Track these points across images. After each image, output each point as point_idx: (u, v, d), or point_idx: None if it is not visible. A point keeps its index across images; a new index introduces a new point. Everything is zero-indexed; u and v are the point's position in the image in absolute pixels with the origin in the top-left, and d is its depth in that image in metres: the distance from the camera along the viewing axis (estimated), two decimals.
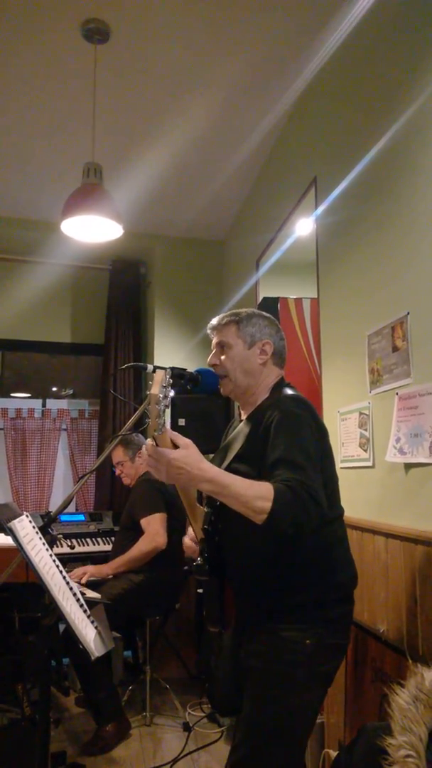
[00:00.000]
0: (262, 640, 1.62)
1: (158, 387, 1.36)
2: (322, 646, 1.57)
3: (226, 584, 1.71)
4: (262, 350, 1.77)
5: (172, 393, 1.46)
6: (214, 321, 1.83)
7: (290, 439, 1.52)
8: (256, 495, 1.38)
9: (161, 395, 1.35)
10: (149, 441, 1.43)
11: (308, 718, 1.61)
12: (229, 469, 1.61)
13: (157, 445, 1.40)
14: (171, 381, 1.41)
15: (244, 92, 2.99)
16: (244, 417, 1.81)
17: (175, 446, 1.42)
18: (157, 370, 1.41)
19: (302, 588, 1.59)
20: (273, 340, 1.79)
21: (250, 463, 1.61)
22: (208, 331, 1.85)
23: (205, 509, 1.71)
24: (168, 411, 1.59)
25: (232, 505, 1.41)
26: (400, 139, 2.07)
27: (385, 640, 1.97)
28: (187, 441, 1.44)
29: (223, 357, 1.78)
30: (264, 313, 1.84)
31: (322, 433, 1.64)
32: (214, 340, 1.82)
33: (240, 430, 1.78)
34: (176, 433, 1.44)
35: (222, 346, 1.79)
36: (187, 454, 1.41)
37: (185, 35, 2.63)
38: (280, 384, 1.78)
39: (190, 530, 1.87)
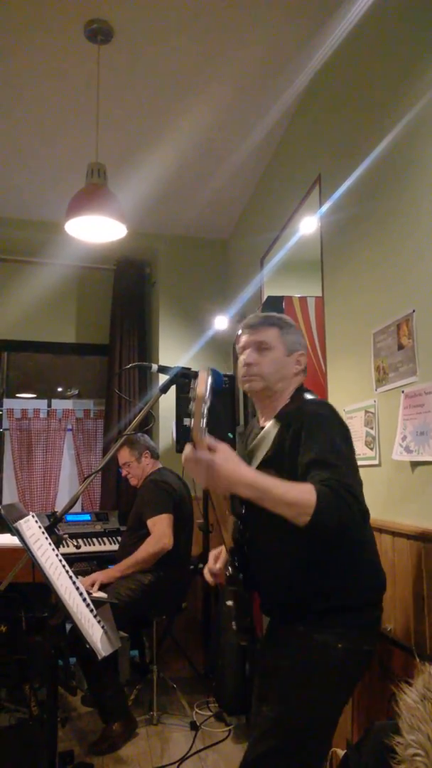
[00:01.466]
0: (294, 643, 1.62)
1: (203, 386, 1.32)
2: (354, 651, 1.57)
3: (255, 594, 1.71)
4: (298, 361, 1.79)
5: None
6: (253, 320, 1.81)
7: (321, 441, 1.53)
8: (298, 497, 1.36)
9: (207, 397, 1.31)
10: (188, 445, 1.39)
11: (333, 721, 1.62)
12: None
13: (195, 447, 1.37)
14: (212, 383, 1.37)
15: (247, 91, 2.99)
16: (264, 422, 1.80)
17: (211, 450, 1.38)
18: (202, 370, 1.36)
19: (336, 591, 1.59)
20: (305, 353, 1.82)
21: (277, 468, 1.59)
22: (243, 329, 1.81)
23: (233, 519, 1.71)
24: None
25: (274, 508, 1.38)
26: (405, 136, 2.06)
27: (393, 639, 1.96)
28: (223, 445, 1.41)
29: (260, 356, 1.75)
30: (298, 329, 1.86)
31: (348, 434, 1.64)
32: (249, 338, 1.78)
33: (264, 435, 1.76)
34: (212, 437, 1.41)
35: (261, 346, 1.76)
36: (227, 458, 1.38)
37: (188, 35, 2.63)
38: (300, 389, 1.78)
39: (210, 561, 1.83)
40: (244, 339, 1.80)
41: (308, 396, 1.75)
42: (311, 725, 1.57)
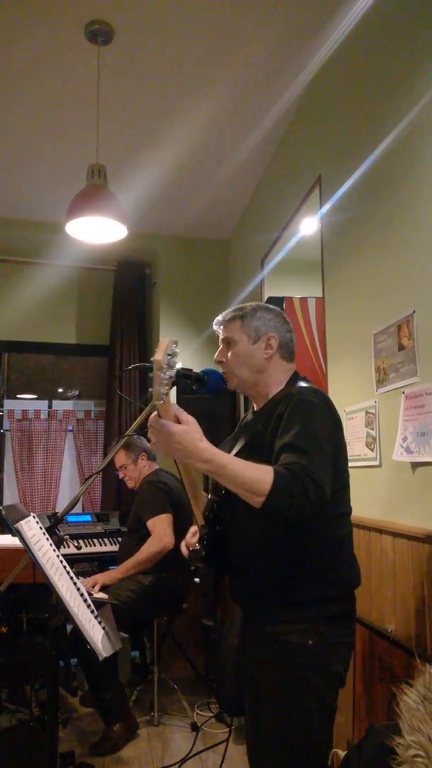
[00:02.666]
0: (266, 648, 1.60)
1: (162, 354, 1.34)
2: (326, 645, 1.54)
3: (223, 577, 1.70)
4: (268, 344, 1.74)
5: (179, 365, 1.44)
6: (220, 317, 1.82)
7: (300, 426, 1.49)
8: (253, 476, 1.36)
9: (165, 363, 1.34)
10: (154, 413, 1.42)
11: (328, 719, 1.60)
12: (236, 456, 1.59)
13: (159, 416, 1.40)
14: (177, 350, 1.39)
15: (247, 91, 2.99)
16: (256, 410, 1.80)
17: (178, 422, 1.42)
18: (162, 338, 1.40)
19: (304, 582, 1.56)
20: (278, 333, 1.76)
21: (256, 451, 1.59)
22: (215, 328, 1.84)
23: (209, 496, 1.70)
24: (174, 386, 1.59)
25: (230, 486, 1.40)
26: (406, 137, 2.06)
27: (393, 640, 1.96)
28: (190, 418, 1.44)
29: (229, 353, 1.77)
30: (270, 306, 1.82)
31: (337, 424, 1.62)
32: (221, 336, 1.81)
33: (249, 421, 1.78)
34: (181, 409, 1.44)
35: (228, 342, 1.77)
36: (188, 430, 1.40)
37: (188, 35, 2.64)
38: (295, 377, 1.76)
39: (188, 535, 1.84)
40: (220, 338, 1.82)
41: (302, 384, 1.71)
42: (307, 731, 1.55)
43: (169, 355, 1.36)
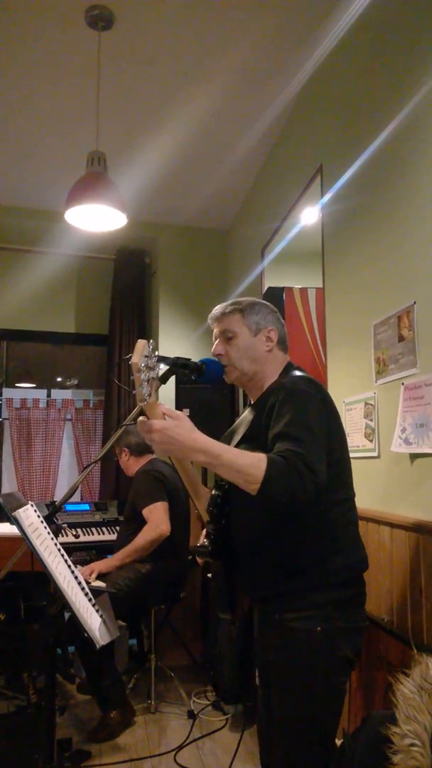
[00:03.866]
0: (274, 634, 1.61)
1: (138, 356, 1.35)
2: (334, 630, 1.55)
3: (234, 569, 1.71)
4: (268, 337, 1.77)
5: (164, 367, 1.45)
6: (216, 311, 1.82)
7: (293, 415, 1.51)
8: (248, 463, 1.38)
9: (142, 364, 1.35)
10: (141, 417, 1.43)
11: (337, 703, 1.61)
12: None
13: (147, 417, 1.40)
14: (154, 351, 1.39)
15: (249, 79, 2.96)
16: (252, 402, 1.81)
17: (168, 418, 1.43)
18: (139, 340, 1.40)
19: (306, 568, 1.57)
20: (276, 326, 1.79)
21: (254, 442, 1.60)
22: (209, 322, 1.84)
23: (213, 492, 1.71)
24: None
25: (226, 475, 1.42)
26: (407, 127, 2.05)
27: (390, 630, 1.97)
28: (179, 413, 1.45)
29: (227, 346, 1.77)
30: (264, 302, 1.84)
31: (331, 412, 1.63)
32: (217, 330, 1.81)
33: (246, 415, 1.78)
34: (168, 407, 1.45)
35: (226, 335, 1.78)
36: (178, 424, 1.41)
37: (189, 21, 2.61)
38: (289, 367, 1.77)
39: (201, 537, 1.85)
40: (214, 332, 1.83)
41: (296, 373, 1.73)
42: (316, 716, 1.56)
43: (146, 356, 1.36)
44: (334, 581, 1.58)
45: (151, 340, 1.40)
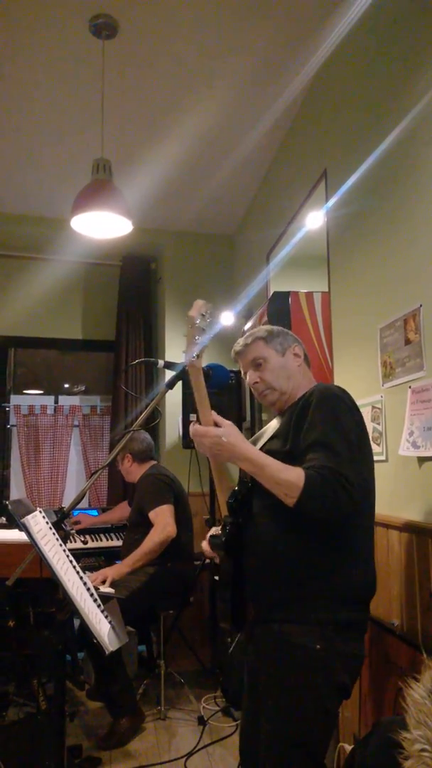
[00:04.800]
0: (273, 646, 1.59)
1: (196, 311, 1.41)
2: (334, 653, 1.53)
3: (242, 577, 1.70)
4: (295, 354, 1.84)
5: (216, 328, 1.52)
6: (238, 346, 1.88)
7: (329, 422, 1.55)
8: (287, 478, 1.46)
9: (197, 320, 1.39)
10: (193, 422, 1.55)
11: (327, 729, 1.59)
12: (264, 448, 1.67)
13: (198, 420, 1.54)
14: (211, 313, 1.45)
15: (252, 85, 2.97)
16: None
17: (216, 425, 1.55)
18: (198, 300, 1.47)
19: (313, 579, 1.56)
20: (298, 344, 1.87)
21: (282, 439, 1.66)
22: (233, 358, 1.90)
23: (236, 487, 1.72)
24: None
25: (266, 484, 1.51)
26: (412, 131, 2.05)
27: (400, 634, 1.96)
28: (228, 422, 1.57)
29: (260, 372, 1.82)
30: (277, 327, 1.91)
31: (359, 419, 1.65)
32: (244, 362, 1.86)
33: (273, 423, 1.82)
34: (218, 415, 1.57)
35: (256, 363, 1.83)
36: (230, 432, 1.54)
37: (193, 29, 2.62)
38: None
39: (212, 530, 1.86)
40: (240, 365, 1.89)
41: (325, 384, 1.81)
42: (304, 734, 1.54)
43: (203, 315, 1.41)
44: (340, 597, 1.56)
45: (210, 303, 1.45)
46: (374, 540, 1.72)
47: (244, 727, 1.79)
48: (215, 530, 1.81)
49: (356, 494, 1.44)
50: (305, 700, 1.53)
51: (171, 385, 1.79)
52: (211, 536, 1.74)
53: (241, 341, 1.88)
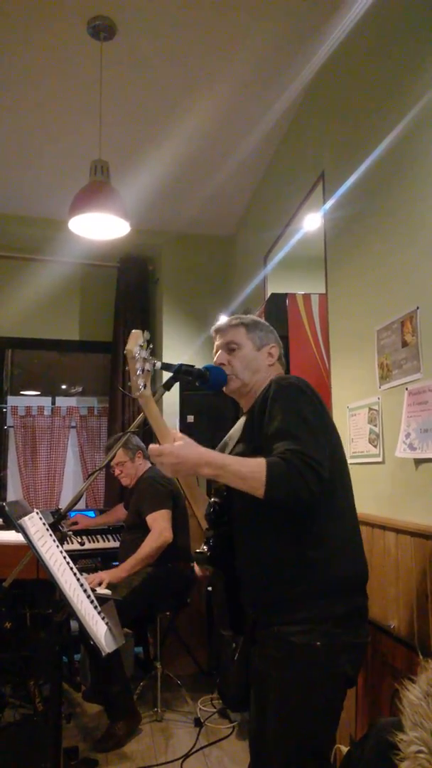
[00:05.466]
0: (273, 646, 1.60)
1: (133, 344, 1.40)
2: (334, 646, 1.53)
3: (235, 583, 1.70)
4: (270, 353, 1.83)
5: (158, 364, 1.55)
6: (221, 323, 1.87)
7: (287, 410, 1.54)
8: (249, 470, 1.43)
9: (136, 353, 1.37)
10: (152, 444, 1.53)
11: (333, 720, 1.60)
12: (232, 453, 1.67)
13: (159, 441, 1.53)
14: (149, 343, 1.45)
15: (250, 87, 2.98)
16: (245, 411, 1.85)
17: (176, 440, 1.55)
18: (134, 330, 1.45)
19: (302, 578, 1.56)
20: (277, 344, 1.87)
21: (250, 443, 1.65)
22: (212, 332, 1.89)
23: (211, 499, 1.72)
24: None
25: (233, 484, 1.48)
26: (409, 133, 2.05)
27: (396, 636, 1.96)
28: (182, 435, 1.59)
29: (230, 356, 1.81)
30: (265, 322, 1.91)
31: (324, 406, 1.65)
32: (220, 341, 1.85)
33: (239, 423, 1.83)
34: (177, 432, 1.60)
35: (230, 347, 1.82)
36: (185, 443, 1.52)
37: (190, 31, 2.63)
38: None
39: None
40: (216, 343, 1.87)
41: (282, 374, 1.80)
42: (311, 731, 1.55)
43: (140, 346, 1.39)
44: (332, 591, 1.56)
45: (146, 331, 1.44)
46: (357, 520, 1.70)
47: (251, 727, 1.79)
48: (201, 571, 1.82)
49: (324, 471, 1.43)
50: (310, 696, 1.54)
51: (168, 386, 1.79)
52: (197, 553, 1.73)
53: (225, 320, 1.87)
